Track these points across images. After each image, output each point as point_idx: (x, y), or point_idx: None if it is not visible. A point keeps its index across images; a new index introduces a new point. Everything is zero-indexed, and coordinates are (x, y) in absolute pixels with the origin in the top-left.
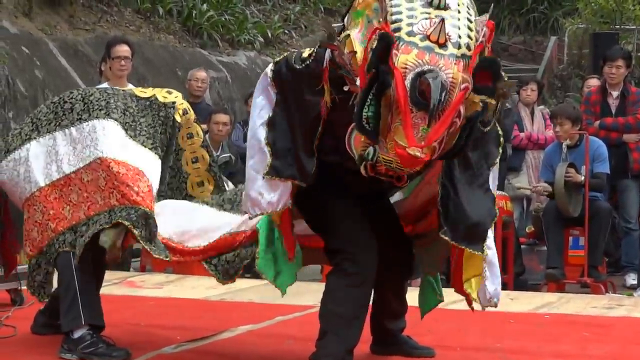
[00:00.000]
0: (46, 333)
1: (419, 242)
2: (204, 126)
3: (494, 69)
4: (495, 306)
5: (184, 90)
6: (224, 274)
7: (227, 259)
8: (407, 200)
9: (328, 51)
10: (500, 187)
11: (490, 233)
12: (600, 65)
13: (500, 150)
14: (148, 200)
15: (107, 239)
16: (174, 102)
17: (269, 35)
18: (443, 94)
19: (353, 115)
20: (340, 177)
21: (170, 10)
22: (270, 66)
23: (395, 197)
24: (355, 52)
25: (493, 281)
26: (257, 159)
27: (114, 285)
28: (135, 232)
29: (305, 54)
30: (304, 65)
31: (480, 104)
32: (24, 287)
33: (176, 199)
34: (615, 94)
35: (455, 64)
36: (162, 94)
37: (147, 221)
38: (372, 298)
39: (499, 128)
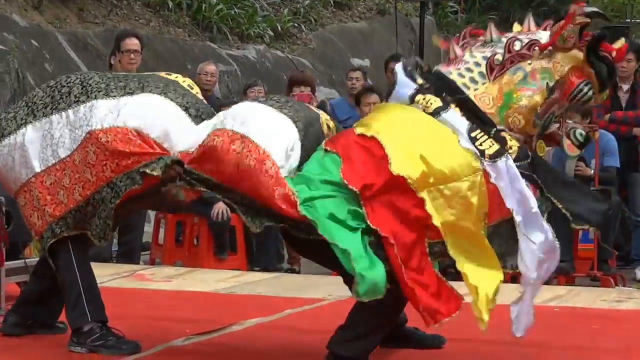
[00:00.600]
0: (16, 334)
1: None
2: None
3: None
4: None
5: None
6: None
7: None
8: None
9: None
10: None
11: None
12: None
13: None
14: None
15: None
16: (176, 79)
17: (279, 28)
18: None
19: None
20: None
21: (180, 3)
22: None
23: None
24: None
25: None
26: None
27: (124, 278)
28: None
29: None
30: None
31: None
32: None
33: None
34: (625, 87)
35: None
36: (162, 75)
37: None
38: None
39: None
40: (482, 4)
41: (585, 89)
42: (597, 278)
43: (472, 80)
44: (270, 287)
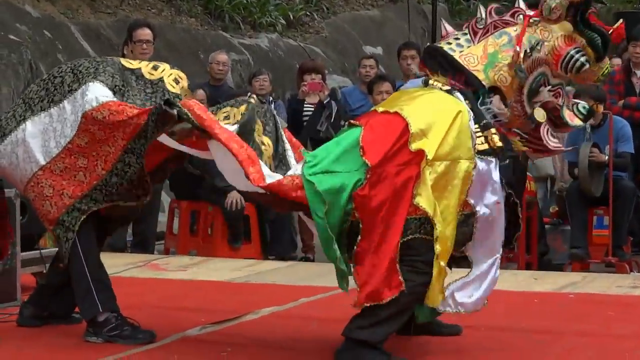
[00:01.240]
0: (34, 325)
1: None
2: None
3: None
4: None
5: (205, 74)
6: None
7: None
8: None
9: None
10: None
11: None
12: (624, 45)
13: None
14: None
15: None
16: (160, 78)
17: (291, 17)
18: None
19: None
20: None
21: None
22: None
23: None
24: None
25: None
26: None
27: (138, 268)
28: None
29: None
30: None
31: None
32: None
33: None
34: (639, 73)
35: None
36: (148, 69)
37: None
38: None
39: None
40: None
41: (577, 56)
42: (612, 264)
43: (459, 45)
44: (284, 276)
